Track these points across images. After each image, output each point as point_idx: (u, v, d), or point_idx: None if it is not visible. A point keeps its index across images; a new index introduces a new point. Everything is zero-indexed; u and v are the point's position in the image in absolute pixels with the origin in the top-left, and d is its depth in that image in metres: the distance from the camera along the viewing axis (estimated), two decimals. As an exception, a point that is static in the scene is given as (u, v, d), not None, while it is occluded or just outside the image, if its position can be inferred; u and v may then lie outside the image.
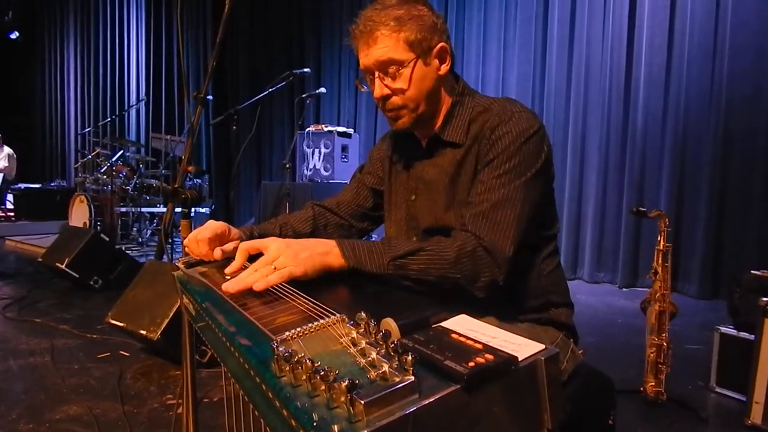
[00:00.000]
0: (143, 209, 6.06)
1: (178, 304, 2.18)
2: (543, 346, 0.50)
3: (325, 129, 5.29)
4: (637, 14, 4.32)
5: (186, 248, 0.97)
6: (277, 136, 7.38)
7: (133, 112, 8.36)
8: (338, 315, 0.58)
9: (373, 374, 0.45)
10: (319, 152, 5.35)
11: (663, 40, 4.18)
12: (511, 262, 0.89)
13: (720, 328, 2.20)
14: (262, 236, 1.06)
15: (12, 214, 7.55)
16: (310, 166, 5.35)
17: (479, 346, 0.49)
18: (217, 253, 0.95)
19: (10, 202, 7.81)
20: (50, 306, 3.45)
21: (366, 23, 0.97)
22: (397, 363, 0.45)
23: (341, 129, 5.40)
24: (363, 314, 0.54)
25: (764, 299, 1.88)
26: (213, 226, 0.97)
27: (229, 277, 0.84)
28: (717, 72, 3.92)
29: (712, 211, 3.94)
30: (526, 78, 5.02)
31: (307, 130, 5.31)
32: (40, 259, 3.95)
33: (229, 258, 0.93)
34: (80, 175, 6.52)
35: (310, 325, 0.56)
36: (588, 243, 4.62)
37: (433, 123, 1.05)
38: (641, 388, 2.10)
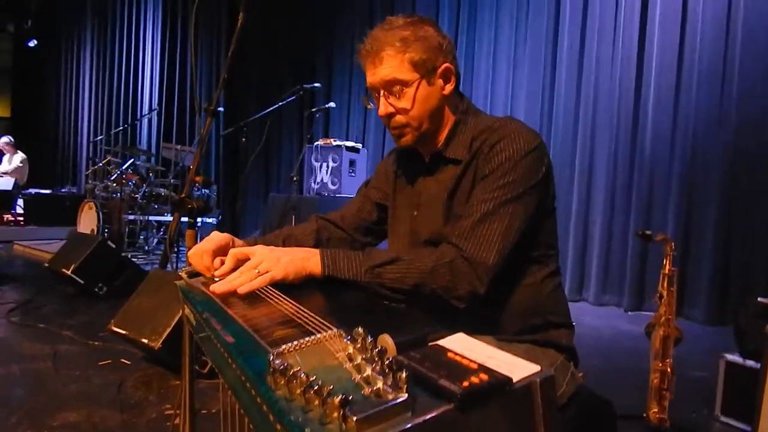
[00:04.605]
0: (151, 218, 6.10)
1: (180, 313, 2.19)
2: (539, 368, 0.50)
3: (334, 143, 5.32)
4: (647, 34, 4.34)
5: (190, 259, 0.98)
6: (286, 148, 7.44)
7: (145, 121, 8.46)
8: (335, 329, 0.58)
9: (367, 390, 0.45)
10: (327, 166, 5.38)
11: (672, 61, 4.19)
12: (494, 274, 0.90)
13: (726, 355, 2.17)
14: None
15: (21, 218, 7.62)
16: (318, 180, 5.38)
17: (474, 365, 0.49)
18: (218, 264, 0.96)
19: (20, 206, 7.89)
20: (54, 311, 3.46)
21: (373, 43, 0.99)
22: (391, 380, 0.45)
23: (350, 144, 5.43)
24: (360, 330, 0.54)
25: (771, 327, 1.86)
26: (217, 238, 0.98)
27: (218, 279, 0.89)
28: (726, 93, 3.92)
29: (720, 234, 3.91)
30: (534, 97, 5.04)
31: (315, 143, 5.35)
32: (46, 264, 3.98)
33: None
34: (90, 182, 6.59)
35: (307, 339, 0.56)
36: (594, 265, 4.58)
37: (436, 140, 1.07)
38: (644, 414, 2.07)
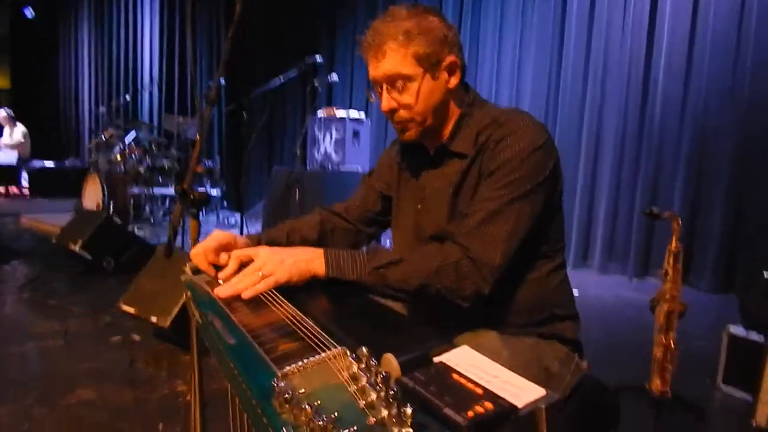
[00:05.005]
0: (155, 190, 6.10)
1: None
2: (544, 392, 0.50)
3: (337, 114, 5.25)
4: (659, 3, 4.20)
5: (193, 260, 0.98)
6: (289, 121, 7.36)
7: (146, 92, 8.36)
8: (339, 348, 0.58)
9: (371, 420, 0.45)
10: (331, 137, 5.31)
11: (685, 30, 4.06)
12: (499, 274, 0.89)
13: (730, 327, 2.19)
14: (268, 243, 1.07)
15: (27, 192, 7.66)
16: (321, 151, 5.33)
17: (479, 391, 0.49)
18: (223, 258, 0.95)
19: (25, 180, 7.91)
20: (63, 288, 3.51)
21: (375, 36, 0.95)
22: (395, 410, 0.45)
23: (353, 114, 5.35)
24: (364, 350, 0.54)
25: (776, 303, 1.86)
26: (219, 237, 0.97)
27: (222, 282, 0.89)
28: (741, 63, 3.81)
29: (729, 205, 3.87)
30: (542, 67, 4.94)
31: (318, 115, 5.28)
32: (54, 240, 4.01)
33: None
34: (93, 155, 6.57)
35: (311, 359, 0.56)
36: (600, 234, 4.58)
37: (441, 134, 1.04)
38: (646, 385, 2.10)
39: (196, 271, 1.01)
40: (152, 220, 6.06)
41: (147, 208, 6.18)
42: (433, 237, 1.04)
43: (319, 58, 3.77)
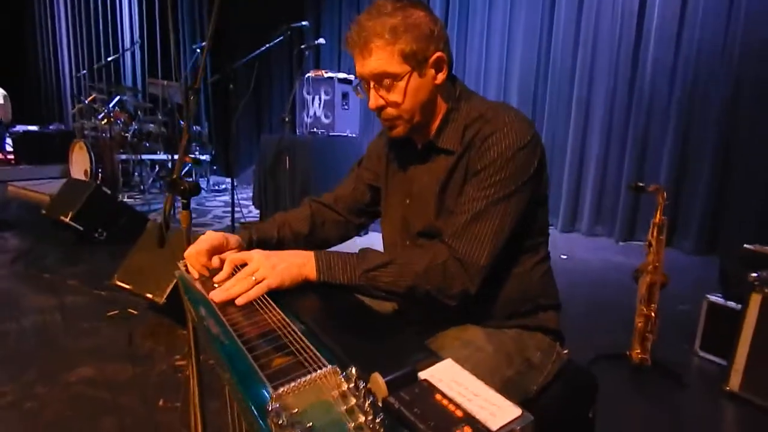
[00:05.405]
0: (143, 156, 6.04)
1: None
2: (519, 412, 0.54)
3: (325, 75, 5.15)
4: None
5: (186, 261, 1.00)
6: (276, 88, 7.24)
7: (127, 56, 8.11)
8: (330, 367, 0.61)
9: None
10: (320, 99, 5.23)
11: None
12: (485, 273, 0.92)
13: (709, 296, 2.27)
14: (260, 240, 1.09)
15: (12, 158, 7.54)
16: (311, 114, 5.26)
17: (460, 414, 0.53)
18: (215, 262, 0.98)
19: (9, 145, 7.77)
20: (57, 260, 3.53)
21: (360, 33, 0.94)
22: (382, 438, 0.48)
23: (342, 75, 5.26)
24: (353, 371, 0.57)
25: (753, 275, 1.93)
26: (210, 238, 0.99)
27: (217, 285, 0.91)
28: (733, 21, 3.77)
29: (717, 167, 3.92)
30: (533, 34, 4.88)
31: (306, 76, 5.18)
32: (43, 212, 4.00)
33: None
34: (78, 120, 6.45)
35: (303, 379, 0.59)
36: (588, 196, 4.64)
37: (429, 129, 1.04)
38: (627, 353, 2.20)
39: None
40: (142, 187, 6.03)
41: (136, 175, 6.13)
42: (420, 232, 1.07)
43: (305, 23, 3.67)
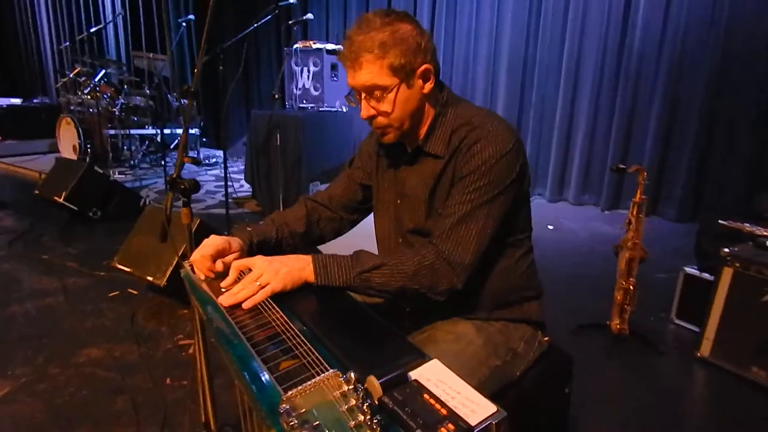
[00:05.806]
0: (132, 131, 6.00)
1: (182, 249, 2.32)
2: (495, 409, 0.64)
3: (314, 46, 5.11)
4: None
5: (193, 265, 1.08)
6: (265, 65, 7.16)
7: (110, 28, 7.91)
8: (332, 371, 0.70)
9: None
10: (308, 71, 5.20)
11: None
12: (471, 270, 1.01)
13: (686, 268, 2.39)
14: (260, 243, 1.17)
15: (-1, 133, 7.44)
16: (300, 86, 5.24)
17: (444, 411, 0.62)
18: (219, 266, 1.06)
19: (-7, 120, 7.65)
20: (54, 240, 3.58)
21: (351, 47, 1.00)
22: (378, 435, 0.58)
23: (330, 46, 5.21)
24: (352, 375, 0.66)
25: (726, 250, 2.04)
26: (215, 243, 1.06)
27: (224, 290, 1.00)
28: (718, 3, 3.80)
29: (701, 137, 4.01)
30: (521, 6, 4.84)
31: (294, 47, 5.13)
32: (36, 192, 4.02)
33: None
34: (63, 95, 6.35)
35: (309, 383, 0.68)
36: (576, 165, 4.72)
37: (418, 134, 1.11)
38: (607, 323, 2.33)
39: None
40: (132, 162, 6.01)
41: (125, 149, 6.10)
42: (411, 231, 1.15)
43: (293, 1, 3.63)
